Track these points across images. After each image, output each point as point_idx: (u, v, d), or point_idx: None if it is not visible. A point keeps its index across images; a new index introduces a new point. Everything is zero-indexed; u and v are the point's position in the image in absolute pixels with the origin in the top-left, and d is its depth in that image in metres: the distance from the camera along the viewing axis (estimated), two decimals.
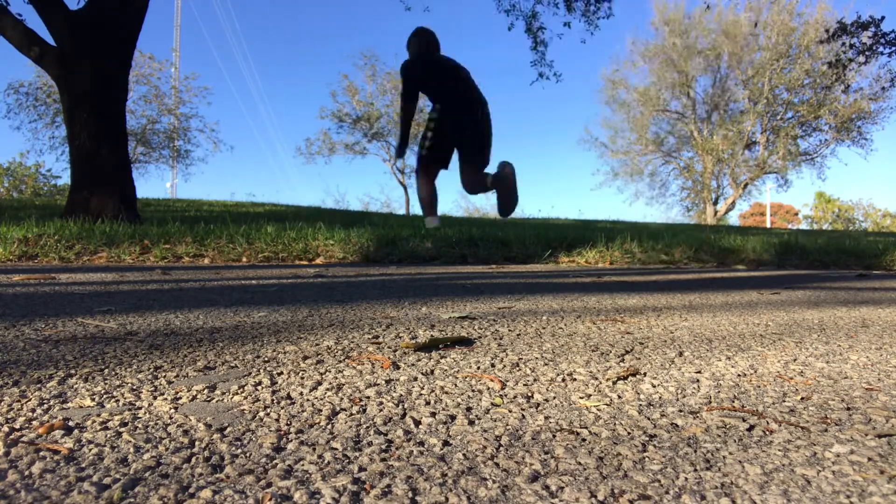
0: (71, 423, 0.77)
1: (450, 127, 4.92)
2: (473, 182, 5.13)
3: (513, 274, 3.50)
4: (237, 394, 0.92)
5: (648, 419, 0.85)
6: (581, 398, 0.94)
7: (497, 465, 0.67)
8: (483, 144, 5.08)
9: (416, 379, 1.04)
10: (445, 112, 4.93)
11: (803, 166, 28.41)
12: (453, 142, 5.01)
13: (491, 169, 5.29)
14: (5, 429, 0.75)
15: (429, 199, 5.23)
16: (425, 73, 4.96)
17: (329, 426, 0.79)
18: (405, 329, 1.52)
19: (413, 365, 1.14)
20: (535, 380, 1.05)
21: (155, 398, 0.89)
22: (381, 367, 1.12)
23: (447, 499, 0.59)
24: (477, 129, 5.00)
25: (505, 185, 5.03)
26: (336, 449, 0.71)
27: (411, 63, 5.01)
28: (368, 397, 0.92)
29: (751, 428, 0.81)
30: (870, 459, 0.71)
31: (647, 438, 0.77)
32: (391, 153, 27.92)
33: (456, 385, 1.00)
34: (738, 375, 1.11)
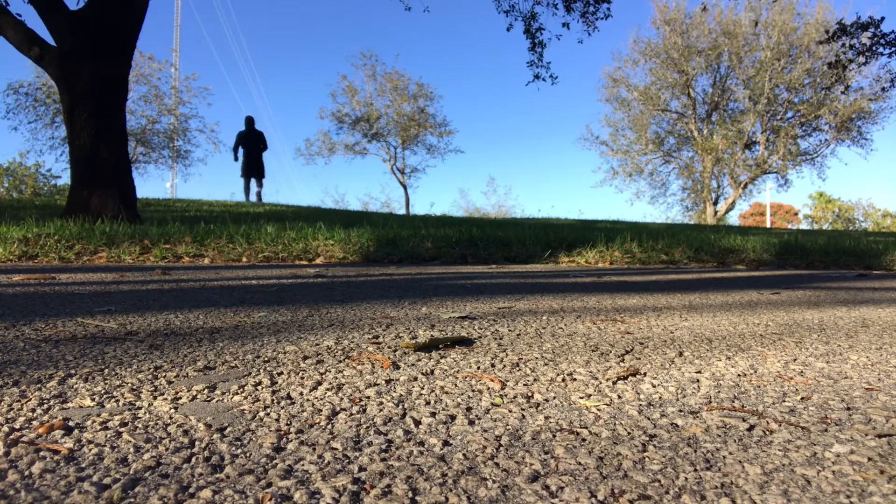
0: (71, 423, 0.77)
1: (248, 161, 12.34)
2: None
3: (513, 274, 3.50)
4: (237, 394, 0.92)
5: (648, 419, 0.85)
6: (581, 398, 0.94)
7: (497, 465, 0.67)
8: (261, 170, 12.54)
9: (416, 379, 1.04)
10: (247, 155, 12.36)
11: (803, 166, 28.41)
12: (251, 167, 12.42)
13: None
14: (5, 429, 0.75)
15: (247, 189, 12.59)
16: (244, 136, 12.28)
17: (329, 426, 0.79)
18: (405, 329, 1.52)
19: (413, 365, 1.14)
20: (535, 380, 1.05)
21: (155, 398, 0.89)
22: (381, 367, 1.12)
23: (447, 499, 0.59)
24: (258, 163, 12.43)
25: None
26: (336, 449, 0.71)
27: (242, 131, 12.34)
28: (368, 397, 0.92)
29: (751, 428, 0.81)
30: (870, 459, 0.71)
31: (647, 438, 0.77)
32: (391, 153, 28.01)
33: (456, 385, 1.00)
34: (738, 375, 1.11)
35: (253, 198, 12.61)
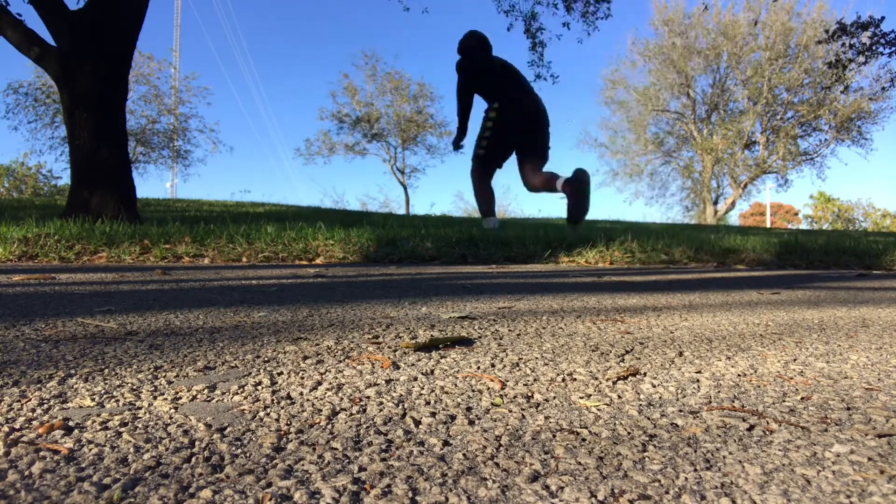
0: (71, 423, 0.77)
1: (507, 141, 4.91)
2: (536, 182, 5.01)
3: (513, 274, 3.50)
4: (237, 394, 0.92)
5: (648, 419, 0.85)
6: (581, 398, 0.94)
7: (497, 465, 0.67)
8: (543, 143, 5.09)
9: (416, 379, 1.04)
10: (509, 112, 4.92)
11: (803, 166, 28.42)
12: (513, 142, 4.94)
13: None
14: (5, 429, 0.75)
15: (487, 198, 5.18)
16: (476, 69, 4.99)
17: (329, 426, 0.79)
18: (405, 329, 1.52)
19: (413, 365, 1.14)
20: (535, 380, 1.05)
21: (155, 398, 0.89)
22: (381, 366, 1.12)
23: (447, 499, 0.59)
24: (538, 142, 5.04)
25: (578, 191, 4.80)
26: (336, 449, 0.71)
27: (463, 64, 5.03)
28: (368, 397, 0.92)
29: (751, 428, 0.81)
30: (870, 459, 0.71)
31: (647, 438, 0.77)
32: (391, 153, 28.00)
33: (456, 385, 1.00)
34: (738, 375, 1.11)
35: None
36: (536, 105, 4.92)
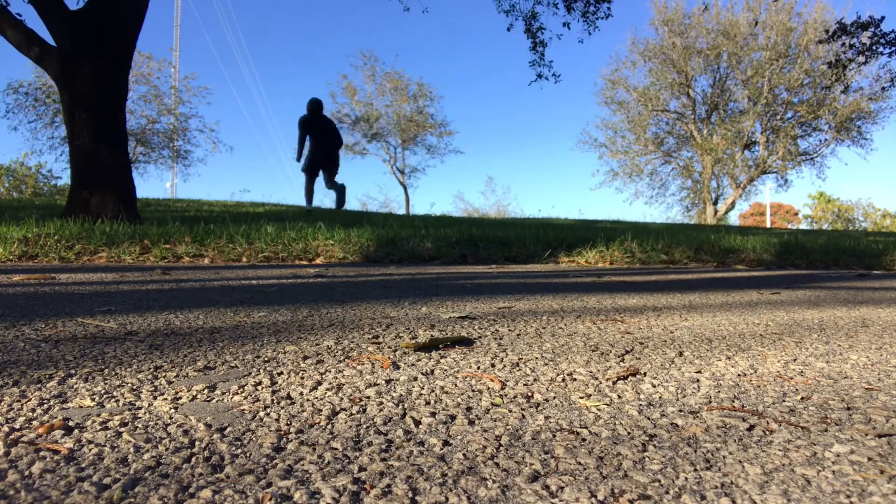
0: (71, 423, 0.77)
1: (317, 153, 9.26)
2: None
3: (513, 274, 3.50)
4: (237, 394, 0.92)
5: (648, 419, 0.85)
6: (581, 398, 0.94)
7: (497, 464, 0.67)
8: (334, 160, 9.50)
9: (416, 379, 1.04)
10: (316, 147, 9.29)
11: (803, 166, 28.42)
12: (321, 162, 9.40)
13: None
14: (5, 429, 0.75)
15: (310, 193, 9.50)
16: (310, 123, 9.09)
17: (329, 426, 0.79)
18: (405, 329, 1.52)
19: (413, 365, 1.14)
20: (535, 380, 1.05)
21: (155, 398, 0.89)
22: (381, 367, 1.12)
23: (447, 499, 0.59)
24: (330, 155, 9.40)
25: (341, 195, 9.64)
26: (336, 449, 0.71)
27: (304, 117, 9.11)
28: (368, 397, 0.92)
29: (751, 428, 0.81)
30: (870, 459, 0.71)
31: (647, 438, 0.77)
32: (391, 153, 28.03)
33: (456, 385, 1.00)
34: (738, 375, 1.11)
35: (328, 195, 9.21)
36: (333, 150, 9.26)
